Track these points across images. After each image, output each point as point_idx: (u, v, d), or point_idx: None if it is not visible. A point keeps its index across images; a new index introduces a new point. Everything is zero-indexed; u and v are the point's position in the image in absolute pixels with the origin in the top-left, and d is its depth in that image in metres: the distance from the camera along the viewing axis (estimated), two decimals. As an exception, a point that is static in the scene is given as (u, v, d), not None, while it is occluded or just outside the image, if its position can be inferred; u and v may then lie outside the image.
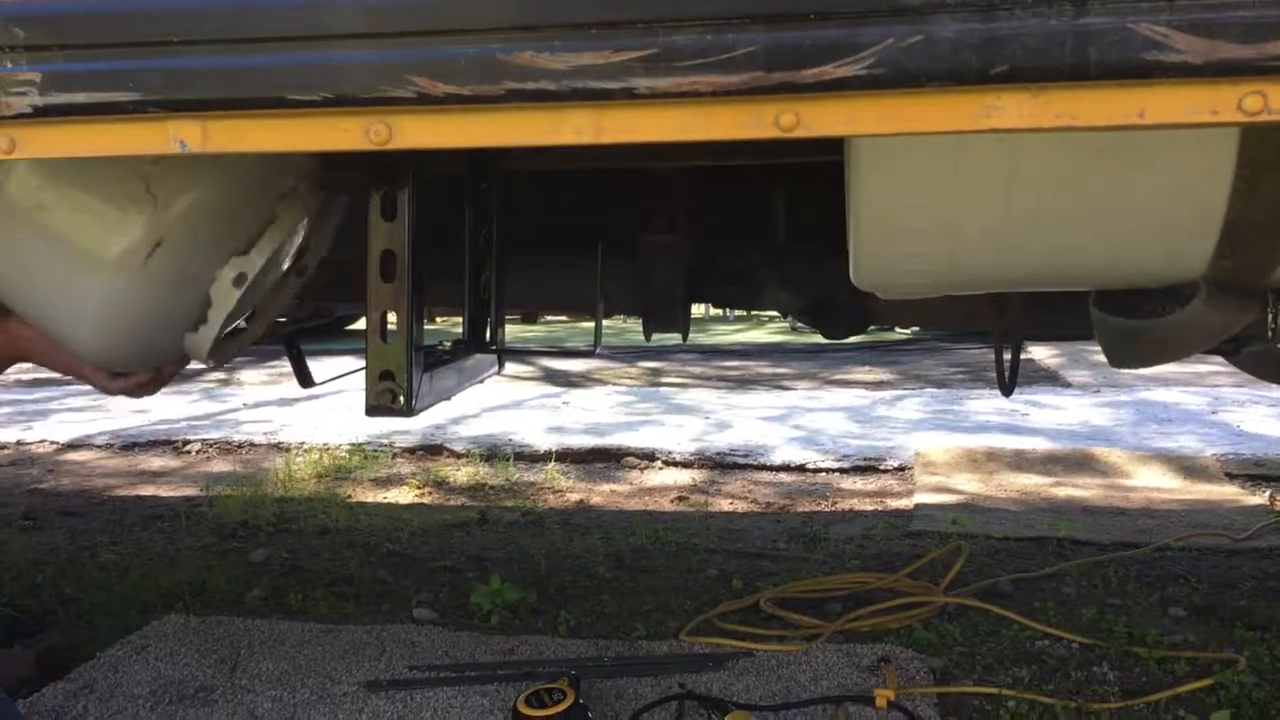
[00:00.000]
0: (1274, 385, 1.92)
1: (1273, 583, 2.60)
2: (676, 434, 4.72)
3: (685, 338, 2.35)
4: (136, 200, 1.47)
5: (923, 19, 0.89)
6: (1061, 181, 1.27)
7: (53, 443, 4.83)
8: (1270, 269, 1.33)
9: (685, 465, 4.21)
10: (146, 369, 1.73)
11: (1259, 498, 3.48)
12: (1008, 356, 2.24)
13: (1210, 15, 0.87)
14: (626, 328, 9.54)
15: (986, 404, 5.42)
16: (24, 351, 1.72)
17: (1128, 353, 1.56)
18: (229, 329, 1.66)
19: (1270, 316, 1.43)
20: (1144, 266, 1.38)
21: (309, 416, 5.28)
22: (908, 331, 8.72)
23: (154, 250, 1.49)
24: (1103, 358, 1.64)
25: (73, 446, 4.77)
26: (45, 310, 1.60)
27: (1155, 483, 3.74)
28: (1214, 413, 5.00)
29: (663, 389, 6.36)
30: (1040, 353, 7.28)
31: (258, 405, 5.83)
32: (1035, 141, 1.22)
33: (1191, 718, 1.87)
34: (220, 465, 4.44)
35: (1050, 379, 6.34)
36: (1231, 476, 3.78)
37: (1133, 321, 1.50)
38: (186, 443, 4.75)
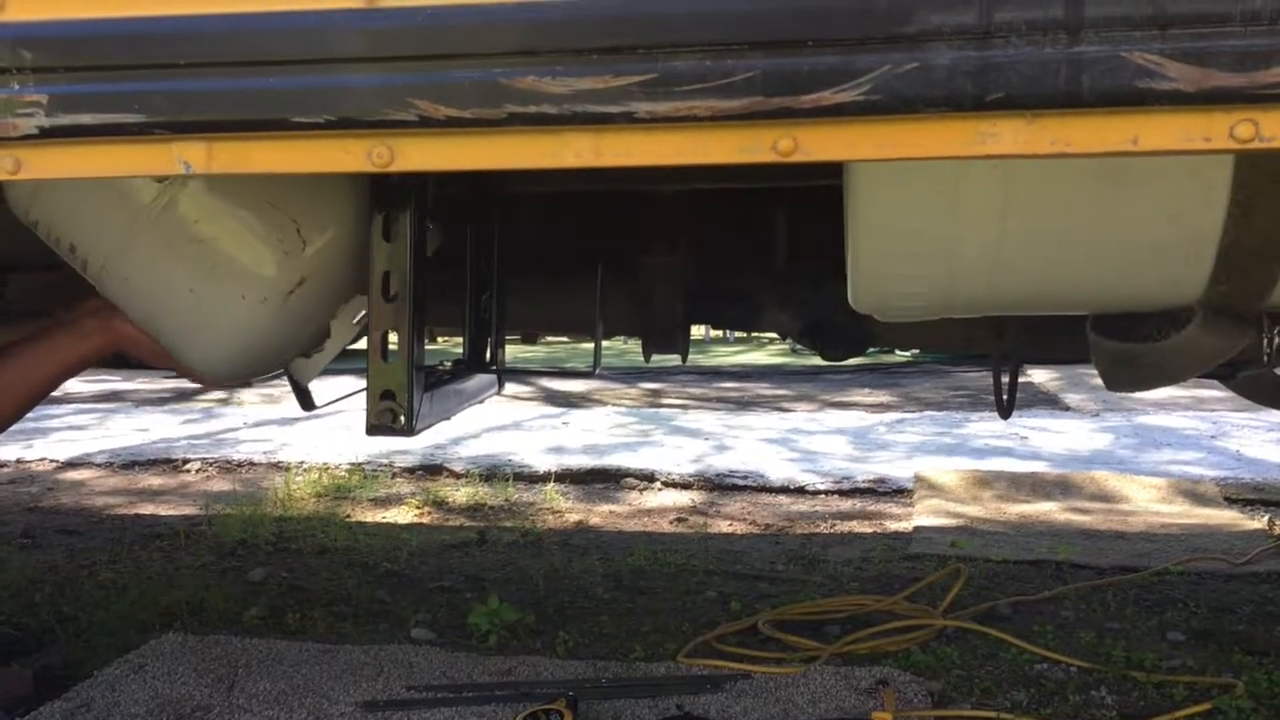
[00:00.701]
0: (1271, 409, 1.93)
1: (1271, 608, 2.60)
2: (676, 455, 4.72)
3: (685, 359, 2.36)
4: (288, 241, 1.56)
5: (919, 46, 0.90)
6: (1058, 207, 1.28)
7: (52, 461, 4.83)
8: (1265, 294, 1.34)
9: (684, 486, 4.21)
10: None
11: (1258, 522, 3.48)
12: (1006, 379, 2.25)
13: (1202, 44, 0.88)
14: (626, 349, 9.55)
15: (985, 427, 5.42)
16: (123, 348, 1.76)
17: (1124, 376, 1.57)
18: None
19: (1265, 341, 1.44)
20: (1140, 291, 1.39)
21: (309, 436, 5.29)
22: (907, 354, 8.73)
23: (296, 288, 1.59)
24: (1100, 381, 1.65)
25: (72, 465, 4.77)
26: (171, 326, 1.66)
27: (1154, 507, 3.74)
28: (1213, 437, 5.00)
29: (662, 410, 6.36)
30: (1039, 376, 7.29)
31: (258, 424, 5.84)
32: (1031, 167, 1.23)
33: (1189, 742, 1.87)
34: (220, 484, 4.44)
35: (1049, 402, 6.35)
36: (1230, 501, 3.78)
37: (1129, 345, 1.51)
38: (186, 461, 4.76)
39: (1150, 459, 4.55)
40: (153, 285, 1.63)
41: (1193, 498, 3.80)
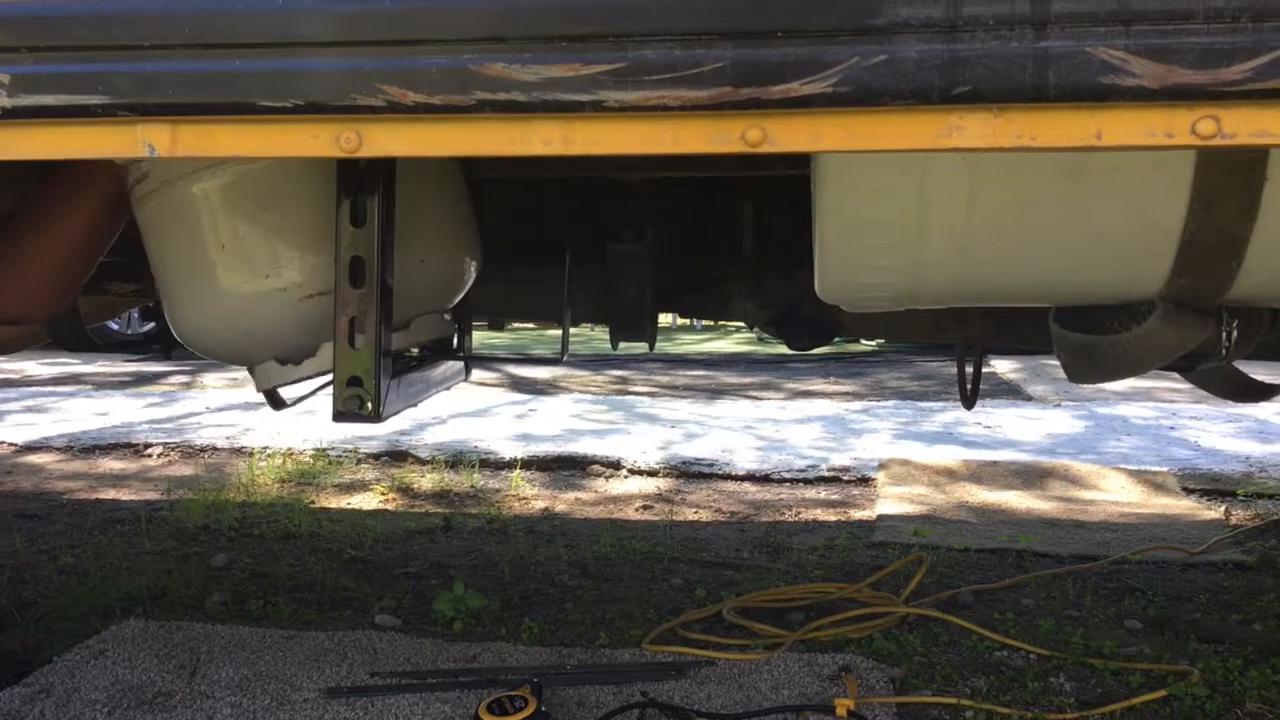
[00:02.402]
0: (1228, 402, 1.96)
1: (1227, 596, 2.64)
2: (642, 443, 4.73)
3: (652, 347, 2.37)
4: (324, 249, 1.58)
5: (887, 39, 0.91)
6: (1022, 200, 1.30)
7: (10, 444, 4.77)
8: (1224, 288, 1.36)
9: (651, 474, 4.22)
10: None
11: (1215, 512, 3.53)
12: (970, 369, 2.27)
13: (1166, 40, 0.90)
14: (593, 336, 9.55)
15: (949, 416, 5.47)
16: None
17: (1085, 368, 1.59)
18: None
19: (1223, 335, 1.46)
20: (1102, 284, 1.41)
21: (272, 421, 5.25)
22: (872, 343, 8.78)
23: (311, 298, 1.63)
24: (1062, 372, 1.67)
25: (30, 449, 4.71)
26: (175, 288, 1.72)
27: (1114, 496, 3.79)
28: (1171, 428, 5.07)
29: (629, 398, 6.37)
30: (1002, 366, 7.35)
31: (221, 409, 5.79)
32: (997, 160, 1.24)
33: (1145, 728, 1.90)
34: (182, 469, 4.40)
35: (1011, 392, 6.41)
36: (1188, 491, 3.84)
37: (1091, 337, 1.53)
38: (147, 446, 4.71)
39: (1110, 449, 4.61)
40: (175, 243, 1.70)
41: (1151, 487, 3.85)
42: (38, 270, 1.80)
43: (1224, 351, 1.49)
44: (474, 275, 1.91)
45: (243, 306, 1.66)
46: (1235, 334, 1.49)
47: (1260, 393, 1.84)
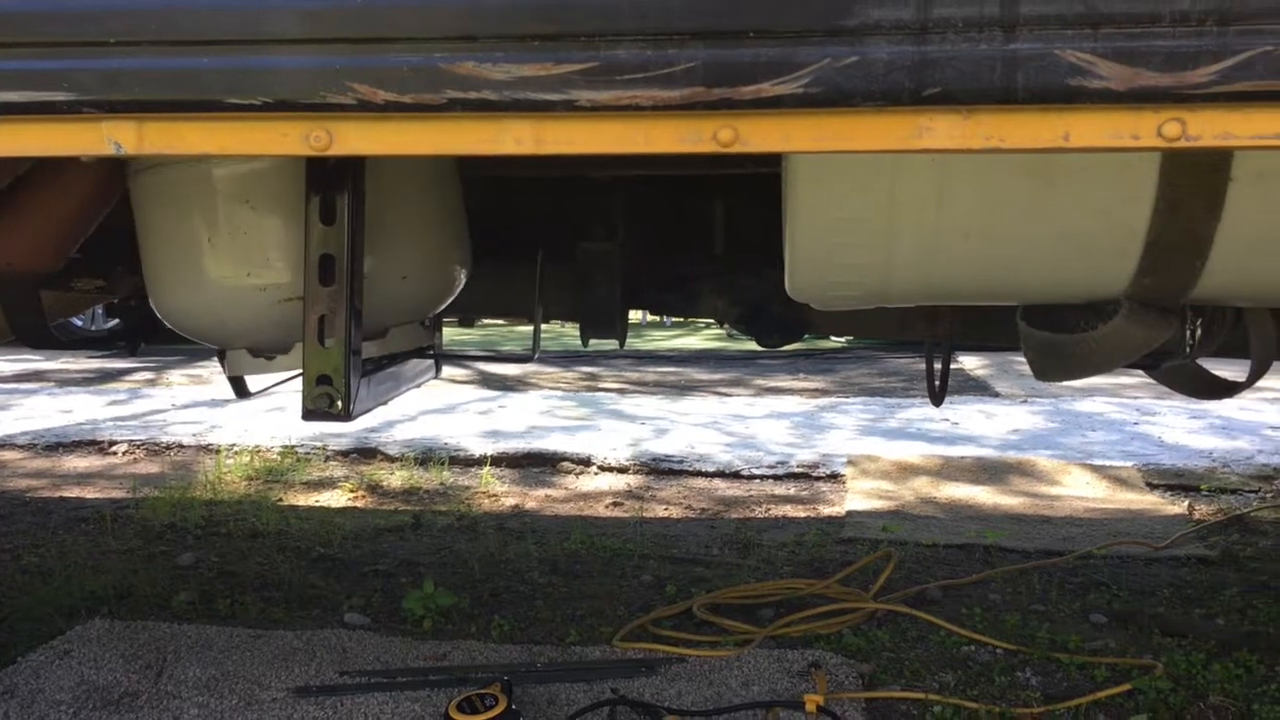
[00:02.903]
0: (1192, 399, 1.99)
1: (1190, 591, 2.67)
2: (612, 439, 4.73)
3: (622, 343, 2.37)
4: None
5: (858, 40, 0.91)
6: (991, 200, 1.31)
7: (-28, 442, 4.71)
8: (1188, 287, 1.38)
9: (621, 471, 4.22)
10: None
11: (1178, 507, 3.58)
12: (938, 366, 2.28)
13: (1133, 43, 0.91)
14: (563, 332, 9.54)
15: (917, 412, 5.50)
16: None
17: (1052, 366, 1.60)
18: None
19: (1188, 333, 1.48)
20: (1069, 283, 1.42)
21: (239, 418, 5.21)
22: (840, 339, 8.82)
23: (290, 301, 1.62)
24: (1029, 369, 1.68)
25: (-7, 446, 4.65)
26: (158, 266, 1.72)
27: (1079, 491, 3.83)
28: (1136, 424, 5.12)
29: (599, 394, 6.37)
30: (970, 362, 7.40)
31: (186, 406, 5.74)
32: (966, 160, 1.25)
33: (1110, 722, 1.92)
34: (147, 467, 4.36)
35: (979, 388, 6.45)
36: (1152, 486, 3.88)
37: (1058, 336, 1.54)
38: (113, 443, 4.66)
39: (1076, 444, 4.65)
40: (163, 228, 1.70)
41: (1116, 483, 3.89)
42: (46, 222, 1.83)
43: (1188, 350, 1.51)
44: (462, 284, 1.91)
45: (220, 297, 1.66)
46: (1199, 333, 1.51)
47: (1223, 390, 1.86)
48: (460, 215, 1.92)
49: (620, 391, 6.54)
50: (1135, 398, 5.80)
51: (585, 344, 2.37)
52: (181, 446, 4.65)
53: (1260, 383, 1.76)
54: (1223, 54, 0.90)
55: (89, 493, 3.83)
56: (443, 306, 1.92)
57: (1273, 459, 4.25)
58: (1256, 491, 3.78)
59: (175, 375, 6.90)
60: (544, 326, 2.21)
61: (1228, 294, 1.43)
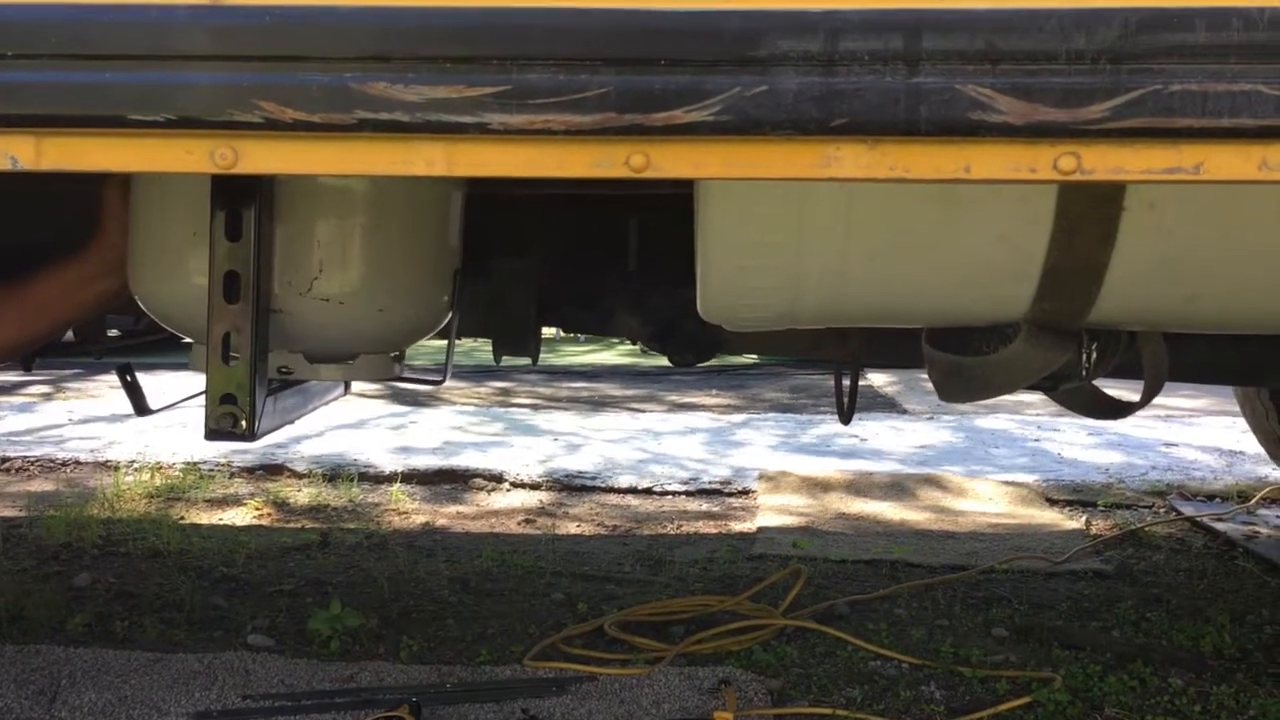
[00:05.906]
0: (1088, 418, 2.05)
1: (1087, 604, 2.75)
2: (525, 455, 4.71)
3: (536, 360, 2.36)
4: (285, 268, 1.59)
5: (767, 70, 0.93)
6: (897, 226, 1.34)
7: None
8: (1085, 312, 1.43)
9: (533, 487, 4.20)
10: None
11: (1076, 522, 3.68)
12: (847, 384, 2.32)
13: (1030, 80, 0.94)
14: (475, 347, 9.47)
15: (827, 429, 5.58)
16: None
17: (955, 387, 1.64)
18: None
19: (1084, 356, 1.53)
20: (971, 306, 1.46)
21: (139, 434, 5.06)
22: (751, 356, 8.90)
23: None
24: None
25: (-124, 462, 4.46)
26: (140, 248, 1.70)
27: (983, 507, 3.92)
28: (1037, 440, 5.26)
29: (512, 410, 6.34)
30: (878, 379, 7.53)
31: (84, 420, 5.57)
32: (873, 187, 1.28)
33: (1011, 734, 1.97)
34: (42, 484, 4.22)
35: (888, 405, 6.57)
36: (1052, 501, 3.99)
37: (960, 358, 1.58)
38: (5, 459, 4.50)
39: (980, 460, 4.76)
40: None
41: (1018, 498, 3.99)
42: None
43: (1085, 372, 1.56)
44: (442, 322, 1.88)
45: (190, 295, 1.59)
46: (1095, 355, 1.56)
47: (1118, 410, 1.93)
48: (450, 253, 1.86)
49: (533, 407, 6.51)
50: (1037, 415, 5.96)
51: (498, 362, 2.36)
52: (79, 463, 4.51)
53: (1154, 401, 1.83)
54: (1115, 91, 0.94)
55: (-21, 511, 3.70)
56: (417, 342, 1.90)
57: (1165, 475, 4.40)
58: (1150, 507, 3.90)
59: (72, 387, 6.70)
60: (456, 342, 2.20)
61: (1122, 318, 1.48)
